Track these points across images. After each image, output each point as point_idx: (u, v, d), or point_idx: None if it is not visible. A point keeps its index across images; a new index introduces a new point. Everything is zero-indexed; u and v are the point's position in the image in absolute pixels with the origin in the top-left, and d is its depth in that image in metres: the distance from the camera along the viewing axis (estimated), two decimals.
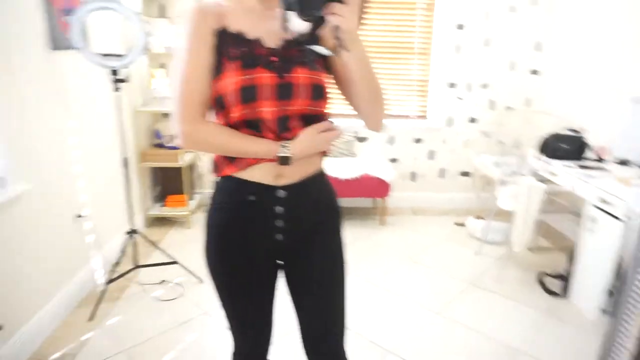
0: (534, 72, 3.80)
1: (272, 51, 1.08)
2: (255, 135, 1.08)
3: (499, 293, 2.68)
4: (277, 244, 1.18)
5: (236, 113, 1.06)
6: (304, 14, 0.95)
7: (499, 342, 2.23)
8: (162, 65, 3.64)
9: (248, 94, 1.04)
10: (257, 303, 1.25)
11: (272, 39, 1.08)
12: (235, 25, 1.08)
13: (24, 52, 2.05)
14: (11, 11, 1.97)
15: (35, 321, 2.09)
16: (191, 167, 3.79)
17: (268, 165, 1.10)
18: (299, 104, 1.08)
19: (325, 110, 1.15)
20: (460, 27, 3.70)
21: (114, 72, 2.42)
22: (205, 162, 3.75)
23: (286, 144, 1.08)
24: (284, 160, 1.08)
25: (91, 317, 2.31)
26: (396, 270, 2.92)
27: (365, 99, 1.11)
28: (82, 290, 2.51)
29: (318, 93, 1.09)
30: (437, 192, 4.08)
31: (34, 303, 2.11)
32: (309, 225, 1.18)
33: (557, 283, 2.74)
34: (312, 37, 1.04)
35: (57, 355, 2.05)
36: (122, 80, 2.47)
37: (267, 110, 1.06)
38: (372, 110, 1.14)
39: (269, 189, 1.12)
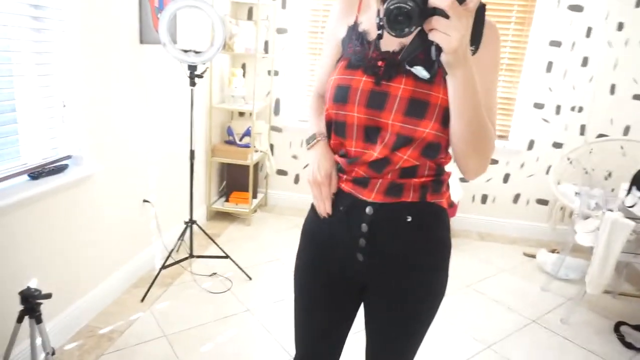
0: (638, 97, 3.40)
1: (382, 55, 0.96)
2: (340, 140, 1.04)
3: (563, 336, 2.41)
4: (358, 264, 1.06)
5: (328, 111, 1.03)
6: (392, 29, 0.77)
7: None
8: (243, 66, 3.78)
9: (340, 94, 0.99)
10: (326, 318, 1.15)
11: (393, 41, 0.94)
12: (367, 22, 1.02)
13: (118, 43, 2.22)
14: (112, 2, 2.14)
15: (91, 295, 2.23)
16: (259, 166, 3.88)
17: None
18: (389, 117, 0.94)
19: (432, 134, 0.94)
20: (556, 43, 3.41)
21: (192, 68, 2.54)
22: (272, 163, 3.82)
23: (311, 142, 1.09)
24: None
25: (143, 299, 2.42)
26: (451, 295, 2.74)
27: (462, 139, 0.91)
28: (139, 272, 2.65)
29: (415, 109, 0.92)
30: (508, 219, 3.80)
31: (93, 278, 2.25)
32: (393, 253, 1.03)
33: (637, 335, 2.40)
34: (409, 55, 0.89)
35: (106, 330, 2.17)
36: (198, 76, 2.58)
37: (353, 115, 0.97)
38: (467, 154, 0.94)
39: (358, 203, 1.02)
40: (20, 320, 1.38)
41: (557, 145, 3.59)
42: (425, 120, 0.92)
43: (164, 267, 2.58)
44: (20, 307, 1.37)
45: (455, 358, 2.17)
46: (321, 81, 1.16)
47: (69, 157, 2.06)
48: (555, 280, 3.00)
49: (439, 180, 1.03)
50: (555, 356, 2.25)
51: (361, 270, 1.06)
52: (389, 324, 1.09)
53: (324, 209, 1.05)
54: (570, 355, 2.26)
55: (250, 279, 2.73)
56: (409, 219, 1.00)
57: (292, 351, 2.11)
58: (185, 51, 2.50)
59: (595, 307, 2.72)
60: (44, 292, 1.42)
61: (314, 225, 1.12)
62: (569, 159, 3.40)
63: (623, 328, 2.49)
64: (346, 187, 1.04)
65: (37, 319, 1.37)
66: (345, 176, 1.04)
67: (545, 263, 3.14)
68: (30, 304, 1.36)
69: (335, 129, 1.04)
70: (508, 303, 2.71)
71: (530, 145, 3.62)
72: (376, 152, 0.97)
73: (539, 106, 3.54)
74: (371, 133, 0.98)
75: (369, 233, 1.01)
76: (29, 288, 1.37)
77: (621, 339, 2.40)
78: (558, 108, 3.52)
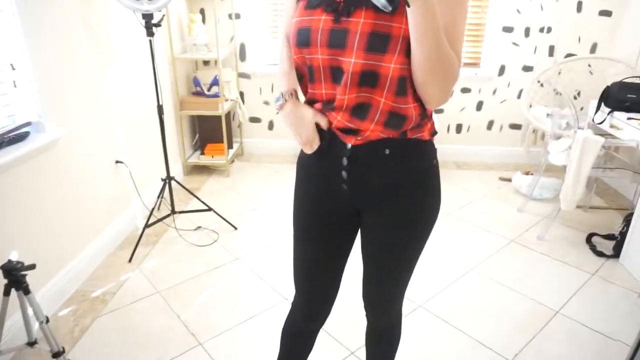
0: (604, 12, 3.39)
1: None
2: (312, 85, 1.02)
3: (540, 252, 2.54)
4: (345, 194, 1.09)
5: (295, 56, 1.01)
6: None
7: (536, 301, 2.13)
8: (202, 11, 3.57)
9: (302, 38, 0.96)
10: (322, 247, 1.18)
11: None
12: None
13: None
14: None
15: (78, 260, 2.21)
16: (231, 115, 3.78)
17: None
18: (352, 54, 0.91)
19: (398, 68, 0.91)
20: None
21: (147, 16, 2.38)
22: (244, 111, 3.73)
23: (280, 102, 1.06)
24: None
25: (130, 259, 2.42)
26: (435, 226, 2.82)
27: (422, 68, 0.89)
28: (122, 234, 2.63)
29: (376, 44, 0.88)
30: (483, 146, 3.86)
31: (76, 243, 2.22)
32: (375, 183, 1.05)
33: (607, 244, 2.55)
34: None
35: (98, 293, 2.17)
36: (155, 25, 2.42)
37: (318, 57, 0.95)
38: (427, 83, 0.91)
39: (339, 142, 1.04)
40: (7, 293, 1.35)
41: (527, 68, 3.59)
42: (388, 54, 0.89)
43: (147, 226, 2.55)
44: (5, 281, 1.34)
45: (441, 282, 2.28)
46: (287, 25, 1.11)
47: (28, 123, 1.95)
48: (530, 201, 3.11)
49: (422, 124, 1.03)
50: (534, 271, 2.38)
51: (348, 199, 1.10)
52: (383, 247, 1.13)
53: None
54: (548, 269, 2.39)
55: (235, 229, 2.74)
56: (387, 152, 1.02)
57: (286, 294, 2.18)
58: None
59: (568, 222, 2.86)
60: (27, 263, 1.39)
61: (305, 159, 1.14)
62: (539, 81, 3.43)
63: (595, 239, 2.64)
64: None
65: (25, 290, 1.35)
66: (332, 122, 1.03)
67: (520, 185, 3.24)
68: (15, 277, 1.33)
69: (304, 74, 1.02)
70: (487, 226, 2.82)
71: (501, 70, 3.62)
72: (341, 93, 0.96)
73: (508, 30, 3.50)
74: (337, 74, 0.95)
75: (349, 166, 1.04)
76: (10, 261, 1.34)
77: (593, 248, 2.55)
78: (527, 30, 3.49)
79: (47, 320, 1.42)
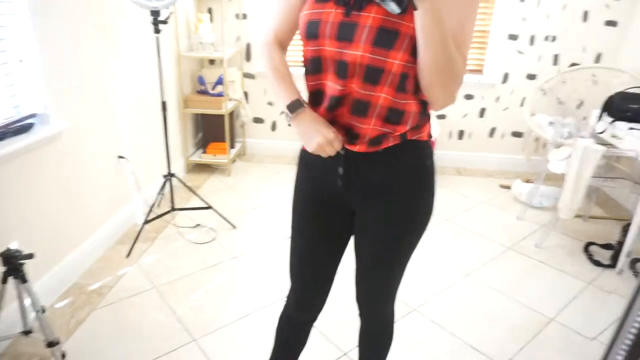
0: (610, 23, 3.39)
1: None
2: (318, 76, 1.02)
3: (537, 259, 2.54)
4: (340, 190, 1.11)
5: (305, 49, 1.02)
6: None
7: (530, 308, 2.13)
8: (210, 10, 3.60)
9: (312, 30, 0.98)
10: (317, 242, 1.20)
11: None
12: None
13: None
14: None
15: (77, 254, 2.23)
16: (235, 115, 3.80)
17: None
18: (358, 48, 0.93)
19: (402, 65, 0.93)
20: None
21: (154, 13, 2.40)
22: (248, 111, 3.75)
23: (290, 113, 1.02)
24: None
25: (128, 254, 2.43)
26: (431, 229, 2.83)
27: (428, 70, 0.91)
28: (121, 228, 2.64)
29: (384, 39, 0.90)
30: (485, 153, 3.87)
31: (75, 236, 2.24)
32: (370, 180, 1.08)
33: (604, 254, 2.55)
34: None
35: (95, 286, 2.19)
36: (162, 22, 2.45)
37: (325, 49, 0.97)
38: (433, 85, 0.93)
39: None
40: (4, 281, 1.37)
41: (531, 76, 3.60)
42: (394, 51, 0.92)
43: (146, 222, 2.57)
44: (3, 269, 1.36)
45: (437, 286, 2.28)
46: (277, 20, 1.09)
47: (33, 115, 1.97)
48: (530, 209, 3.11)
49: (420, 125, 1.05)
50: (530, 278, 2.38)
51: (344, 195, 1.11)
52: (375, 244, 1.14)
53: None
54: (544, 277, 2.39)
55: (234, 227, 2.75)
56: (383, 150, 1.03)
57: (282, 293, 2.18)
58: None
59: (567, 231, 2.86)
60: (25, 252, 1.40)
61: (306, 154, 1.16)
62: (542, 89, 3.43)
63: (592, 248, 2.64)
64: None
65: (22, 278, 1.37)
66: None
67: (520, 193, 3.24)
68: (13, 265, 1.35)
69: (311, 66, 1.03)
70: (485, 233, 2.82)
71: (505, 78, 3.63)
72: (343, 86, 0.98)
73: (513, 37, 3.51)
74: (342, 67, 0.97)
75: (347, 162, 1.06)
76: (9, 249, 1.36)
77: (590, 257, 2.55)
78: (532, 38, 3.50)
79: (44, 310, 1.44)
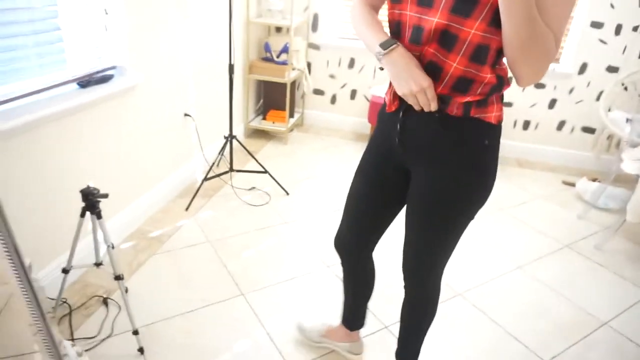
0: None
1: None
2: (396, 38, 1.04)
3: (595, 261, 2.43)
4: (398, 151, 1.15)
5: (389, 11, 1.05)
6: None
7: (582, 309, 2.05)
8: None
9: None
10: (374, 189, 1.26)
11: None
12: None
13: None
14: None
15: (141, 201, 2.38)
16: (296, 85, 3.83)
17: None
18: (436, 14, 0.92)
19: (479, 35, 0.91)
20: None
21: None
22: (310, 82, 3.77)
23: (382, 53, 1.02)
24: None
25: (187, 208, 2.56)
26: (483, 217, 2.77)
27: (511, 44, 0.89)
28: (183, 183, 2.78)
29: (462, 6, 0.89)
30: (550, 146, 3.69)
31: (142, 185, 2.38)
32: (421, 145, 1.09)
33: None
34: None
35: (156, 234, 2.33)
36: None
37: (406, 14, 0.99)
38: (516, 60, 0.91)
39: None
40: (82, 214, 1.50)
41: (612, 69, 3.36)
42: (471, 20, 0.90)
43: (205, 179, 2.69)
44: (82, 205, 1.48)
45: (484, 274, 2.24)
46: None
47: (113, 67, 2.09)
48: (593, 209, 2.96)
49: (488, 102, 1.03)
50: (586, 279, 2.28)
51: (400, 156, 1.16)
52: (423, 211, 1.16)
53: (429, 107, 1.02)
54: (601, 280, 2.29)
55: (287, 194, 2.82)
56: (437, 115, 1.04)
57: (328, 261, 2.23)
58: None
59: (631, 236, 2.70)
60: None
61: (380, 113, 1.22)
62: (623, 84, 3.20)
63: None
64: None
65: (98, 214, 1.49)
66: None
67: (584, 191, 3.09)
68: (91, 201, 1.46)
69: (393, 30, 1.05)
70: (541, 228, 2.72)
71: (583, 69, 3.41)
72: (418, 52, 0.99)
73: (597, 25, 3.28)
74: (419, 32, 0.98)
75: (402, 124, 1.10)
76: (88, 187, 1.47)
77: None
78: (618, 28, 3.25)
79: (113, 247, 1.56)
